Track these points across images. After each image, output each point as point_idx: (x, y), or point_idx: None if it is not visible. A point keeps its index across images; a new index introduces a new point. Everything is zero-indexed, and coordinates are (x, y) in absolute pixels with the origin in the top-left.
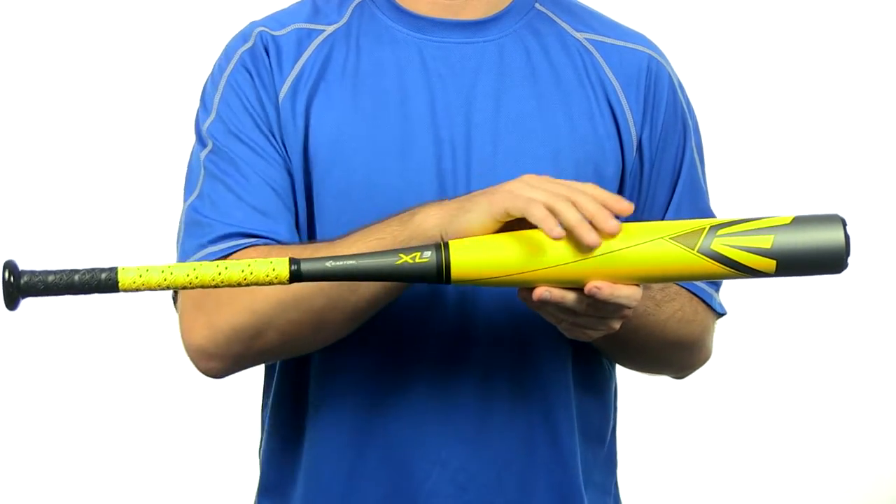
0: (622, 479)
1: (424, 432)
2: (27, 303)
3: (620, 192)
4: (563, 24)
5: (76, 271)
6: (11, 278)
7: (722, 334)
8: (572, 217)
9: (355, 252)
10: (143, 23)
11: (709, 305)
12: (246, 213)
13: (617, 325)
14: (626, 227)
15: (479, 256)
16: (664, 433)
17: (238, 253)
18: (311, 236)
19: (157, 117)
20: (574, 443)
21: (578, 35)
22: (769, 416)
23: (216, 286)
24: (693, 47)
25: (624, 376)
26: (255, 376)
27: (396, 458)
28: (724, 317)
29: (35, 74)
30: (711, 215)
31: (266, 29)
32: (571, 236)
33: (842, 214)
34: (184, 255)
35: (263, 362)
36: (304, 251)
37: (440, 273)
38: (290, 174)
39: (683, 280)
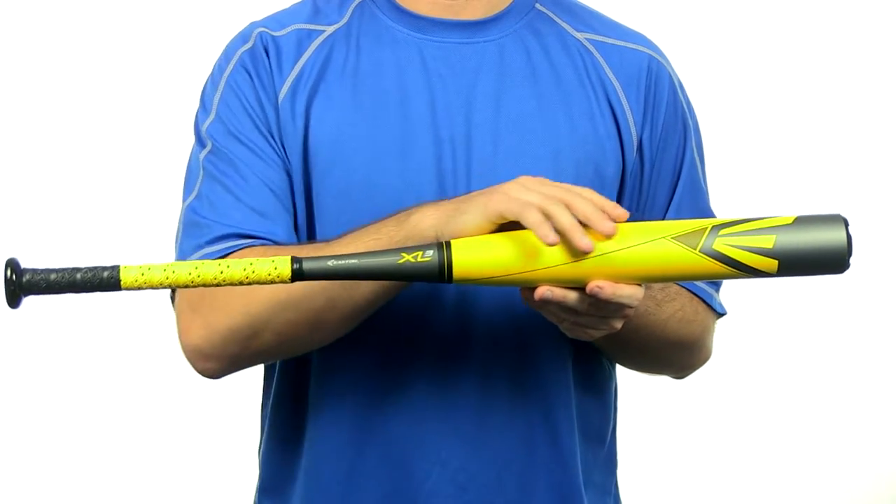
0: (622, 479)
1: (424, 432)
2: (29, 301)
3: (621, 192)
4: (564, 24)
5: (78, 270)
6: (14, 276)
7: (722, 334)
8: (566, 221)
9: (353, 252)
10: (143, 23)
11: (709, 305)
12: (244, 214)
13: (618, 324)
14: (628, 226)
15: (480, 256)
16: (664, 433)
17: (236, 253)
18: (311, 236)
19: (158, 117)
20: (574, 442)
21: (579, 35)
22: (769, 416)
23: (218, 285)
24: (693, 47)
25: (624, 376)
26: (254, 376)
27: (396, 457)
28: (724, 317)
29: (35, 74)
30: (712, 215)
31: (266, 29)
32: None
33: (844, 214)
34: (182, 256)
35: (260, 363)
36: (301, 251)
37: (442, 272)
38: (289, 175)
39: (685, 280)
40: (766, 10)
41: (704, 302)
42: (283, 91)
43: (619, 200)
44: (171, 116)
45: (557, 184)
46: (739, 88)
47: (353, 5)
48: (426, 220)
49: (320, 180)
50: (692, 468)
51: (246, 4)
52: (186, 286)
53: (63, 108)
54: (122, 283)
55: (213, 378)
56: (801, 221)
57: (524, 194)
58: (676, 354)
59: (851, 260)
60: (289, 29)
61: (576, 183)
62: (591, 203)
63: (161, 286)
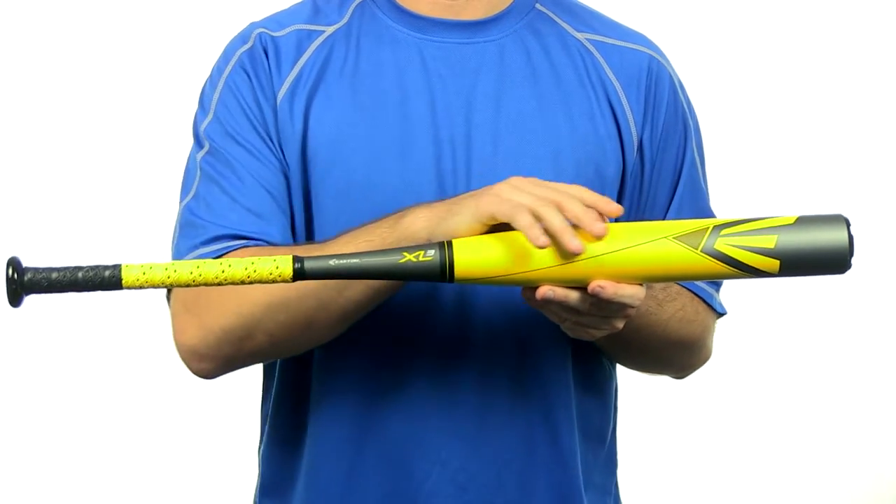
0: (622, 479)
1: (425, 432)
2: (30, 300)
3: (621, 192)
4: (564, 25)
5: (80, 268)
6: (15, 275)
7: (722, 334)
8: (557, 223)
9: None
10: (143, 24)
11: (709, 305)
12: (240, 216)
13: (620, 324)
14: (629, 226)
15: (482, 255)
16: (664, 433)
17: (230, 254)
18: (310, 237)
19: (159, 116)
20: (574, 442)
21: (579, 35)
22: (769, 416)
23: (219, 284)
24: (693, 47)
25: (624, 376)
26: (254, 376)
27: (396, 457)
28: (725, 317)
29: (36, 75)
30: (712, 216)
31: (265, 30)
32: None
33: (845, 214)
34: (178, 256)
35: (254, 363)
36: (294, 252)
37: (444, 272)
38: (286, 176)
39: (687, 279)
40: (766, 10)
41: (705, 302)
42: (282, 92)
43: (619, 201)
44: (172, 116)
45: (549, 183)
46: (739, 88)
47: (354, 5)
48: (418, 223)
49: (320, 181)
50: (692, 468)
51: (246, 4)
52: (188, 285)
53: (63, 109)
54: (123, 282)
55: (208, 378)
56: (803, 221)
57: (515, 195)
58: (677, 354)
59: (853, 260)
60: (288, 29)
61: (576, 183)
62: (582, 203)
63: (163, 285)
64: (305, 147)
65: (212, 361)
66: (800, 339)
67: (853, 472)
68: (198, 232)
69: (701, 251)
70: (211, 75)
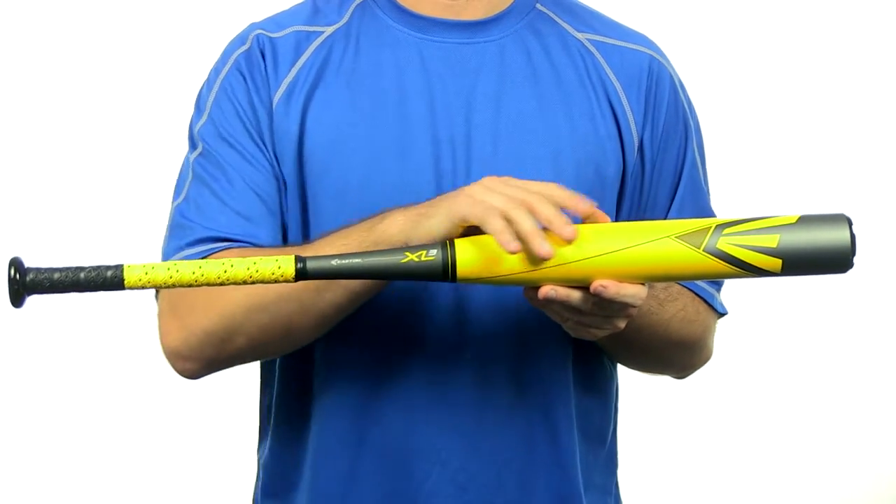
0: (622, 479)
1: (424, 432)
2: (32, 300)
3: (621, 192)
4: (564, 25)
5: (82, 269)
6: (17, 275)
7: (723, 334)
8: (527, 227)
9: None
10: (143, 24)
11: (710, 305)
12: (228, 218)
13: (622, 323)
14: (632, 226)
15: (483, 255)
16: (664, 433)
17: (216, 255)
18: (307, 238)
19: (159, 117)
20: (573, 442)
21: (579, 35)
22: (769, 416)
23: (222, 284)
24: (693, 47)
25: (624, 376)
26: (253, 376)
27: (396, 457)
28: (725, 317)
29: (36, 75)
30: (713, 216)
31: (264, 31)
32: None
33: (847, 214)
34: (165, 257)
35: (237, 364)
36: (280, 253)
37: (446, 271)
38: (279, 179)
39: (689, 279)
40: (766, 10)
41: (706, 302)
42: (279, 94)
43: (619, 201)
44: (172, 116)
45: (521, 183)
46: (740, 88)
47: (354, 5)
48: (394, 227)
49: (317, 181)
50: (692, 468)
51: (246, 5)
52: (190, 285)
53: (64, 109)
54: (125, 282)
55: (193, 378)
56: (805, 221)
57: (487, 196)
58: (678, 354)
59: (855, 259)
60: (287, 30)
61: (576, 184)
62: (554, 205)
63: (165, 285)
64: (302, 148)
65: (195, 362)
66: (800, 339)
67: (853, 472)
68: (185, 233)
69: (703, 250)
70: (208, 77)
